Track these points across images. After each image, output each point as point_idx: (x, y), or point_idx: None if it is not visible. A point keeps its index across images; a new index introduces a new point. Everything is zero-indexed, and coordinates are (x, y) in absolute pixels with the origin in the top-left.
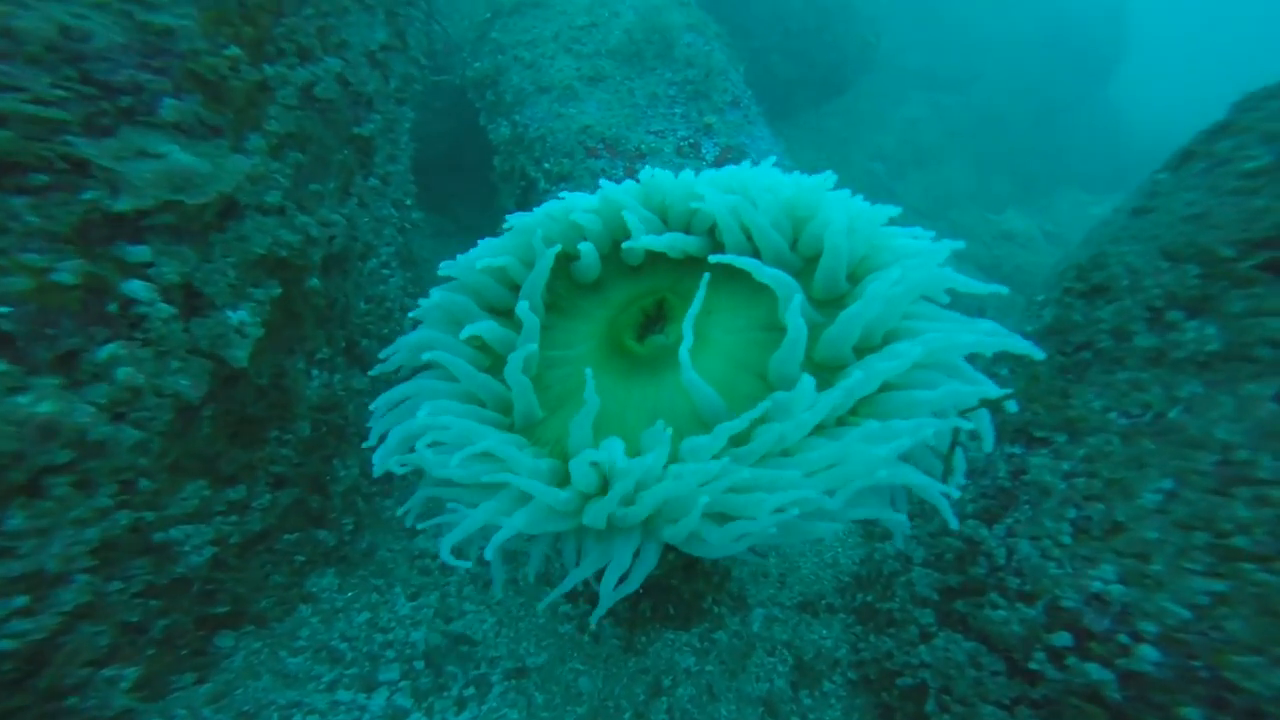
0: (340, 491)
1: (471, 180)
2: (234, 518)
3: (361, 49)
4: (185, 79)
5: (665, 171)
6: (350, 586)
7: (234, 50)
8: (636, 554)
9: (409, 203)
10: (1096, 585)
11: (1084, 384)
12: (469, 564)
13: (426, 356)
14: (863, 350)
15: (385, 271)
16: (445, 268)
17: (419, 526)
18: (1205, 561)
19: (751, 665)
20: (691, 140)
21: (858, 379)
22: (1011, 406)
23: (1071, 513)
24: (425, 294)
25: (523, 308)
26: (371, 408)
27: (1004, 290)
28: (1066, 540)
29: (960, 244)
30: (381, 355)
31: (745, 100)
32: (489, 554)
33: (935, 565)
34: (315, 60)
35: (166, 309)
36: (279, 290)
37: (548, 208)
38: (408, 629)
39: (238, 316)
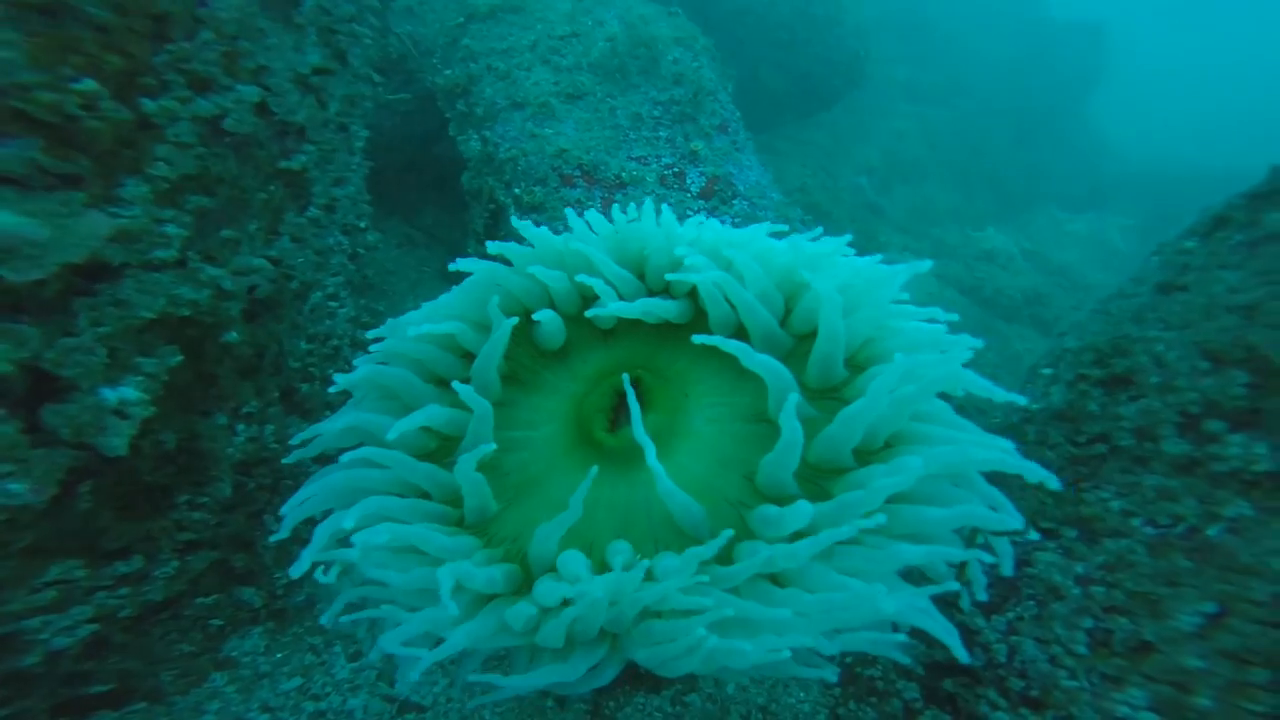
0: (273, 545)
1: (441, 186)
2: (124, 590)
3: (288, 75)
4: (10, 120)
5: (646, 222)
6: (281, 647)
7: (89, 85)
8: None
9: (363, 225)
10: (1123, 710)
11: (1099, 480)
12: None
13: (349, 457)
14: (863, 453)
15: (332, 304)
16: (379, 332)
17: (341, 620)
18: (1270, 703)
19: None
20: (676, 169)
21: (858, 498)
22: (1032, 535)
23: (1088, 623)
24: (380, 321)
25: (467, 392)
26: (284, 510)
27: (1022, 400)
28: (1081, 650)
29: (979, 343)
30: (294, 441)
31: (734, 125)
32: (415, 674)
33: (921, 636)
34: (221, 90)
35: None
36: (179, 358)
37: (508, 252)
38: (345, 695)
39: (118, 395)
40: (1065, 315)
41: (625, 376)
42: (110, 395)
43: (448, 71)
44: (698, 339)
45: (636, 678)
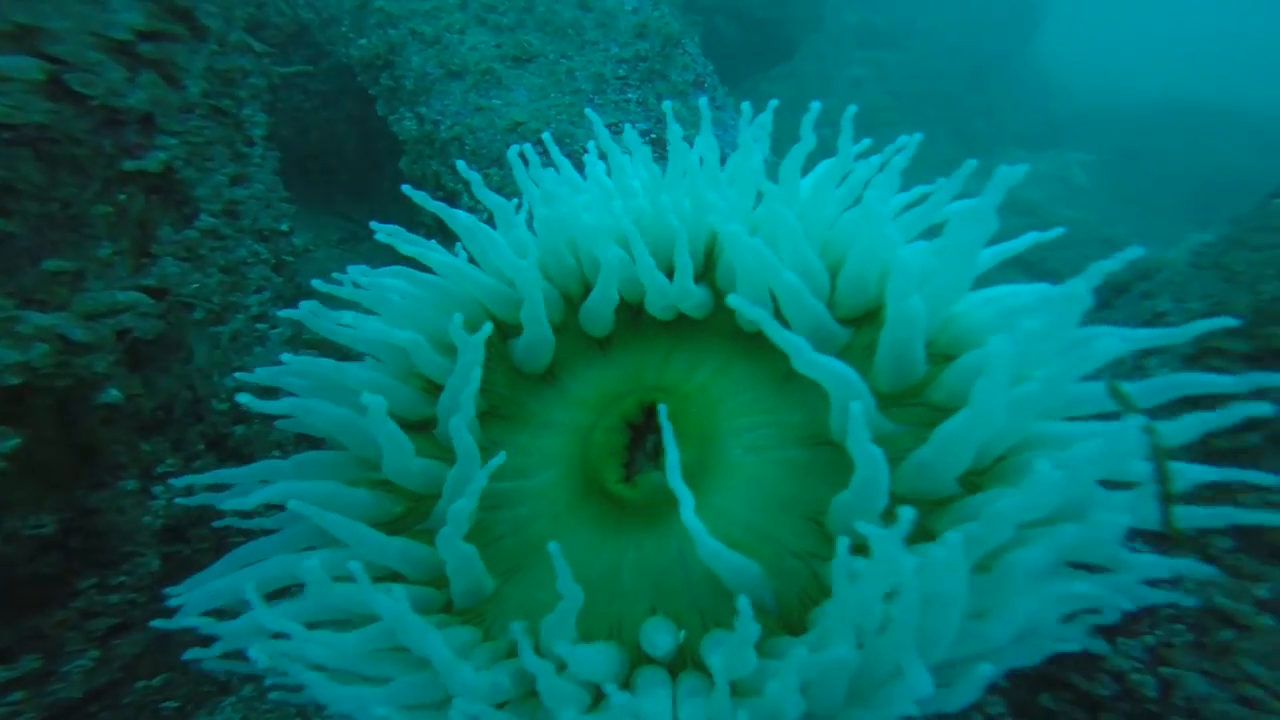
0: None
1: (380, 172)
2: (18, 695)
3: (92, 42)
4: None
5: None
6: (260, 716)
7: None
8: None
9: (284, 228)
10: None
11: None
12: None
13: (300, 520)
14: (973, 474)
15: (261, 326)
16: (294, 315)
17: None
18: None
19: None
20: (653, 135)
21: (974, 534)
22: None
23: None
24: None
25: (458, 433)
26: (186, 596)
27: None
28: None
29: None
30: (176, 483)
31: (709, 79)
32: None
33: None
34: None
35: None
36: (15, 440)
37: (466, 231)
38: None
39: None
40: (1051, 255)
41: (663, 410)
42: None
43: (362, 41)
44: (732, 300)
45: None
